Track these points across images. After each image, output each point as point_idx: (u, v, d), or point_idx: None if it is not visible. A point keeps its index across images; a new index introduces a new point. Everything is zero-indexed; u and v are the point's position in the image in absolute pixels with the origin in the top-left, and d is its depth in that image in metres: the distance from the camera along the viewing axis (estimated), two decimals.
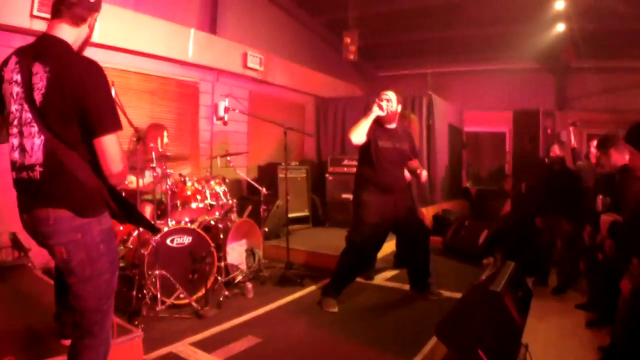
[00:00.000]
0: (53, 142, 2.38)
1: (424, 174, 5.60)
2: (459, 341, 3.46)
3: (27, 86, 2.40)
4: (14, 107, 2.46)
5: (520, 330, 3.42)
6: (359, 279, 6.08)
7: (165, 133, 6.19)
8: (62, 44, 2.48)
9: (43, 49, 2.47)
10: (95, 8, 2.61)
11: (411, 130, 6.60)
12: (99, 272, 2.55)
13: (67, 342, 3.29)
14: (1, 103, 2.58)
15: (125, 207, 2.66)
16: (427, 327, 4.40)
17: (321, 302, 5.37)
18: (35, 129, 2.40)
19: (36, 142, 2.40)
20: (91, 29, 2.66)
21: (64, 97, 2.35)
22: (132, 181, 5.64)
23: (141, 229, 5.14)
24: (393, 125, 5.52)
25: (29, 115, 2.40)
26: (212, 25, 9.01)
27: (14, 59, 2.52)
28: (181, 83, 8.16)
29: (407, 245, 6.02)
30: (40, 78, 2.37)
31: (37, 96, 2.36)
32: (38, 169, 2.42)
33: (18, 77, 2.44)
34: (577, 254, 6.27)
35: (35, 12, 5.62)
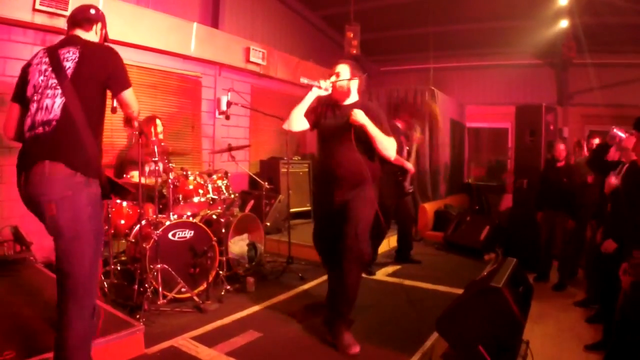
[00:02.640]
0: (73, 104, 2.79)
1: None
2: (459, 336, 3.46)
3: (56, 60, 2.87)
4: (40, 79, 2.87)
5: (521, 326, 3.43)
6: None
7: (158, 122, 6.20)
8: (85, 38, 3.09)
9: (70, 40, 3.02)
10: (95, 19, 3.23)
11: (431, 119, 6.60)
12: (85, 233, 2.74)
13: None
14: (23, 90, 2.95)
15: (111, 183, 3.12)
16: (428, 322, 4.42)
17: None
18: (59, 90, 2.80)
19: (57, 101, 2.79)
20: (100, 37, 3.32)
21: (95, 67, 2.91)
22: (133, 175, 5.66)
23: (143, 223, 5.14)
24: (351, 101, 4.50)
25: (55, 80, 2.82)
26: (214, 19, 9.01)
27: (42, 51, 3.01)
28: (183, 77, 8.15)
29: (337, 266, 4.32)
30: (72, 52, 2.89)
31: (69, 63, 2.85)
32: (54, 123, 2.76)
33: (46, 59, 2.91)
34: (577, 250, 6.29)
35: (37, 6, 5.61)
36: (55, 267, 2.82)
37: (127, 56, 7.00)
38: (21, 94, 2.95)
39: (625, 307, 3.63)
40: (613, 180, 4.32)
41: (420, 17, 11.31)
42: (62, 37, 3.25)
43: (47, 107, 2.78)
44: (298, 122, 4.45)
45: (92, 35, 3.18)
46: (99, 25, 3.27)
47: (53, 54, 2.91)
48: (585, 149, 7.14)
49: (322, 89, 4.42)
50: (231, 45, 8.79)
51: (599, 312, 5.15)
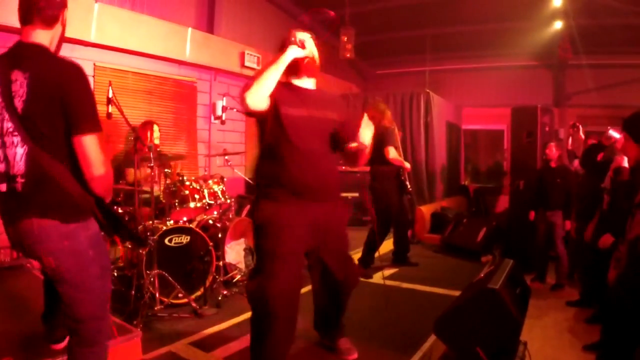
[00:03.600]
0: (36, 151, 2.34)
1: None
2: (457, 338, 3.46)
3: (7, 95, 2.35)
4: None
5: (518, 327, 3.42)
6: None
7: (155, 127, 6.20)
8: (39, 48, 2.44)
9: (20, 55, 2.42)
10: (62, 5, 2.55)
11: (384, 124, 6.62)
12: (91, 278, 2.50)
13: (58, 346, 3.30)
14: None
15: (112, 219, 2.62)
16: (425, 324, 4.41)
17: None
18: (18, 138, 2.35)
19: (19, 151, 2.36)
20: (64, 25, 2.60)
21: (45, 102, 2.32)
22: (130, 173, 5.66)
23: (139, 228, 5.14)
24: (310, 84, 3.63)
25: (10, 125, 2.35)
26: (209, 24, 9.01)
27: None
28: (179, 82, 8.16)
29: (323, 286, 3.90)
30: (20, 85, 2.33)
31: (18, 103, 2.32)
32: (19, 180, 2.38)
33: None
34: (572, 250, 6.30)
35: None
36: (64, 311, 2.61)
37: (123, 62, 7.03)
38: None
39: (611, 301, 3.65)
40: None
41: (416, 20, 11.34)
42: None
43: (9, 159, 2.38)
44: (265, 95, 3.14)
45: (55, 30, 2.53)
46: (64, 11, 2.58)
47: (4, 79, 2.36)
48: (580, 132, 7.13)
49: (305, 49, 3.44)
50: (226, 50, 8.79)
51: (597, 312, 5.17)
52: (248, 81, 3.12)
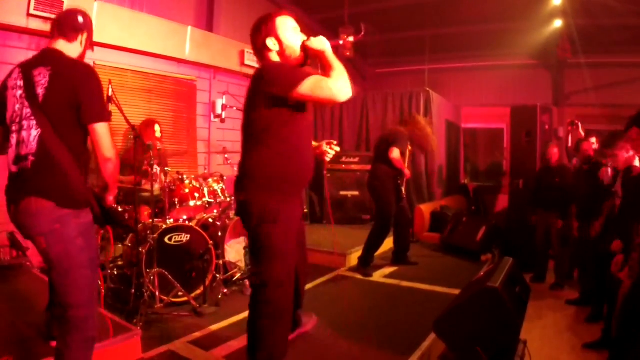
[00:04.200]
0: (48, 135, 2.64)
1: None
2: (457, 338, 3.46)
3: (29, 85, 2.67)
4: (16, 107, 2.71)
5: (518, 327, 3.43)
6: (357, 276, 6.11)
7: (156, 127, 6.20)
8: (60, 52, 2.83)
9: (44, 57, 2.80)
10: (83, 28, 2.96)
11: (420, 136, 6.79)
12: (78, 266, 2.67)
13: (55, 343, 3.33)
14: (2, 113, 2.82)
15: (105, 209, 2.91)
16: (425, 323, 4.41)
17: None
18: (34, 122, 2.65)
19: (33, 133, 2.65)
20: (84, 48, 3.01)
21: (62, 93, 2.66)
22: (130, 180, 5.65)
23: (139, 227, 5.14)
24: None
25: (29, 110, 2.66)
26: (209, 22, 9.00)
27: (17, 70, 2.79)
28: (178, 81, 8.15)
29: None
30: (43, 75, 2.67)
31: (40, 90, 2.64)
32: (30, 158, 2.65)
33: (21, 83, 2.72)
34: (572, 249, 6.31)
35: (32, 11, 5.61)
36: (53, 297, 2.84)
37: (123, 60, 7.02)
38: (1, 119, 2.85)
39: (625, 310, 3.64)
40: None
41: (416, 20, 11.33)
42: None
43: (24, 140, 2.67)
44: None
45: (75, 47, 2.94)
46: (85, 35, 2.99)
47: (27, 75, 2.71)
48: (580, 130, 7.12)
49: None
50: (226, 48, 8.79)
51: (594, 311, 5.18)
52: (336, 72, 3.02)
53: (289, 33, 3.32)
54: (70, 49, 2.90)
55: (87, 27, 3.00)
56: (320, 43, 3.12)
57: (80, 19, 2.96)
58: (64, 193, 2.65)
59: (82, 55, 3.02)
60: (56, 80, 2.65)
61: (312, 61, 3.27)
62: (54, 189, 2.63)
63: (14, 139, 2.71)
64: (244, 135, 3.23)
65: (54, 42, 2.87)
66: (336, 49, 3.26)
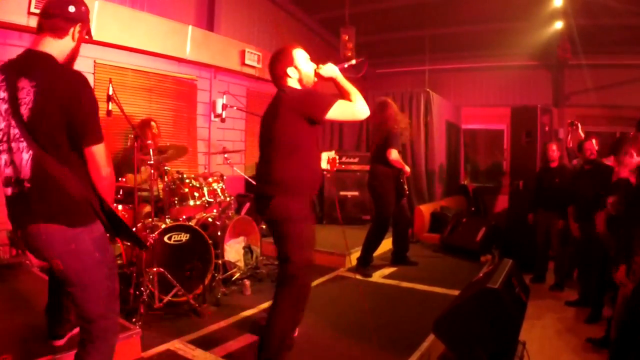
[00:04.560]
0: (41, 157, 2.40)
1: None
2: (456, 338, 3.46)
3: (14, 102, 2.40)
4: (2, 124, 2.45)
5: (517, 327, 3.43)
6: (357, 277, 6.11)
7: (152, 124, 6.19)
8: (47, 57, 2.48)
9: (28, 63, 2.46)
10: (76, 19, 2.57)
11: (390, 126, 6.71)
12: (98, 279, 2.58)
13: (59, 342, 3.32)
14: None
15: (114, 221, 2.68)
16: (424, 324, 4.41)
17: None
18: (24, 144, 2.41)
19: (24, 157, 2.42)
20: (77, 42, 2.63)
21: (51, 110, 2.38)
22: (129, 179, 5.65)
23: (138, 226, 5.14)
24: None
25: (17, 130, 2.41)
26: (209, 22, 9.01)
27: (0, 77, 2.48)
28: (179, 80, 8.16)
29: None
30: (26, 93, 2.38)
31: (24, 111, 2.37)
32: (26, 184, 2.44)
33: (4, 95, 2.43)
34: (571, 250, 6.31)
35: (32, 10, 5.59)
36: (75, 313, 2.75)
37: (123, 59, 7.03)
38: None
39: (626, 313, 3.63)
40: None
41: (416, 20, 11.34)
42: None
43: (15, 164, 2.44)
44: None
45: (65, 43, 2.56)
46: (78, 27, 2.59)
47: (11, 87, 2.41)
48: (579, 130, 7.11)
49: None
50: (226, 48, 8.79)
51: (594, 312, 5.18)
52: (353, 98, 3.60)
53: (304, 63, 3.81)
54: (60, 46, 2.54)
55: (81, 16, 2.61)
56: (331, 70, 3.70)
57: (72, 8, 2.55)
58: (70, 213, 2.48)
59: (76, 49, 2.65)
60: (42, 100, 2.36)
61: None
62: (60, 211, 2.46)
63: (5, 159, 2.48)
64: (268, 145, 3.66)
65: (40, 41, 2.50)
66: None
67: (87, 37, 2.72)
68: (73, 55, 2.65)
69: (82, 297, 2.56)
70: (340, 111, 3.51)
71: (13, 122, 2.40)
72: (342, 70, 3.80)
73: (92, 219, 2.56)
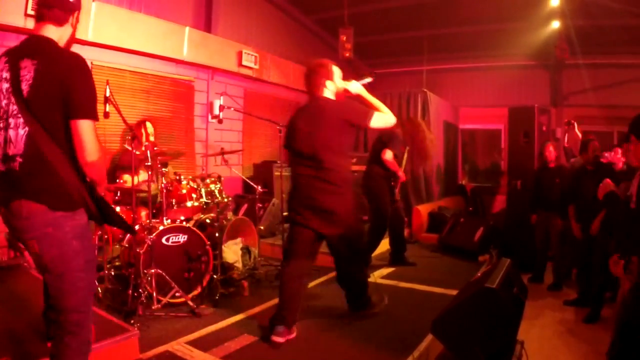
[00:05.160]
0: (37, 133, 2.44)
1: None
2: (454, 338, 3.46)
3: (15, 80, 2.48)
4: (3, 102, 2.53)
5: (515, 327, 3.43)
6: None
7: (148, 124, 6.19)
8: (49, 41, 2.58)
9: (31, 46, 2.57)
10: (74, 8, 2.71)
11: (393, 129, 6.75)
12: (73, 269, 2.55)
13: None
14: None
15: (102, 208, 2.68)
16: (423, 324, 4.40)
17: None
18: (21, 120, 2.46)
19: (20, 132, 2.47)
20: (74, 27, 2.76)
21: (49, 86, 2.44)
22: (127, 180, 5.65)
23: (136, 228, 5.14)
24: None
25: (16, 107, 2.47)
26: (207, 23, 9.00)
27: (3, 59, 2.59)
28: (176, 81, 8.15)
29: None
30: (28, 70, 2.46)
31: (25, 87, 2.44)
32: (18, 159, 2.47)
33: (7, 75, 2.52)
34: (570, 250, 6.31)
35: (29, 11, 5.58)
36: (47, 300, 2.73)
37: (120, 61, 7.02)
38: None
39: (626, 311, 3.63)
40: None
41: (414, 20, 11.34)
42: None
43: (11, 139, 2.48)
44: None
45: (65, 30, 2.69)
46: (75, 15, 2.74)
47: (14, 67, 2.50)
48: (576, 129, 7.11)
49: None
50: (224, 49, 8.79)
51: (593, 312, 5.18)
52: (381, 109, 4.39)
53: (339, 79, 4.49)
54: (60, 33, 2.66)
55: (78, 5, 2.76)
56: (357, 88, 4.44)
57: None
58: (55, 194, 2.48)
59: (73, 35, 2.78)
60: (41, 76, 2.44)
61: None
62: (45, 191, 2.47)
63: (1, 137, 2.54)
64: (321, 149, 4.23)
65: (42, 27, 2.61)
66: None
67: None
68: (71, 39, 2.78)
69: (55, 286, 2.55)
70: (376, 120, 4.24)
71: (13, 99, 2.47)
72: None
73: (76, 205, 2.55)
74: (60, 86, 2.43)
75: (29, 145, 2.46)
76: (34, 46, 2.56)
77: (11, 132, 2.49)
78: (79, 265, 2.56)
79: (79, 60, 2.54)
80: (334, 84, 4.42)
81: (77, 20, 2.77)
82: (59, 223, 2.49)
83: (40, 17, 2.62)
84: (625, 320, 3.57)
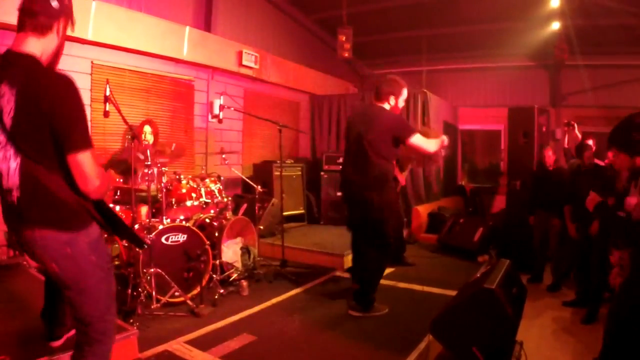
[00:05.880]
0: (28, 164, 2.32)
1: None
2: (453, 338, 3.47)
3: None
4: None
5: (514, 327, 3.43)
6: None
7: (145, 128, 6.19)
8: (29, 59, 2.34)
9: (8, 67, 2.33)
10: (60, 14, 2.43)
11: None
12: (95, 283, 2.54)
13: (56, 343, 3.31)
14: None
15: (112, 219, 2.64)
16: (422, 324, 4.42)
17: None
18: (10, 152, 2.32)
19: (12, 165, 2.33)
20: (61, 37, 2.49)
21: (33, 117, 2.26)
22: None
23: (136, 227, 5.14)
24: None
25: (3, 137, 2.32)
26: (207, 23, 9.00)
27: None
28: (176, 81, 8.15)
29: None
30: (7, 100, 2.26)
31: (7, 119, 2.27)
32: (15, 193, 2.35)
33: None
34: (569, 251, 6.31)
35: None
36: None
37: (120, 60, 7.02)
38: None
39: (616, 308, 3.64)
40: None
41: (413, 20, 11.34)
42: None
43: (3, 173, 2.35)
44: None
45: (49, 41, 2.42)
46: (61, 23, 2.46)
47: None
48: (576, 130, 7.10)
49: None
50: (224, 49, 8.79)
51: (590, 312, 5.19)
52: (432, 138, 5.41)
53: (402, 100, 5.27)
54: (43, 46, 2.40)
55: (65, 10, 2.46)
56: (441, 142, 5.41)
57: (55, 3, 2.39)
58: (64, 218, 2.41)
59: (60, 45, 2.51)
60: (24, 106, 2.25)
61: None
62: (53, 216, 2.39)
63: None
64: (366, 150, 4.94)
65: (22, 40, 2.36)
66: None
67: (70, 31, 2.56)
68: (58, 51, 2.52)
69: (78, 300, 2.52)
70: (416, 141, 5.00)
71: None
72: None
73: (87, 222, 2.51)
74: (47, 118, 2.25)
75: (23, 176, 2.33)
76: (13, 69, 2.31)
77: (3, 165, 2.34)
78: (98, 278, 2.56)
79: (64, 85, 2.31)
80: (395, 101, 5.18)
81: (65, 29, 2.49)
82: (76, 242, 2.45)
83: (21, 27, 2.38)
84: (615, 311, 3.59)
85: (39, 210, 2.37)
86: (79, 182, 2.35)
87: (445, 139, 5.48)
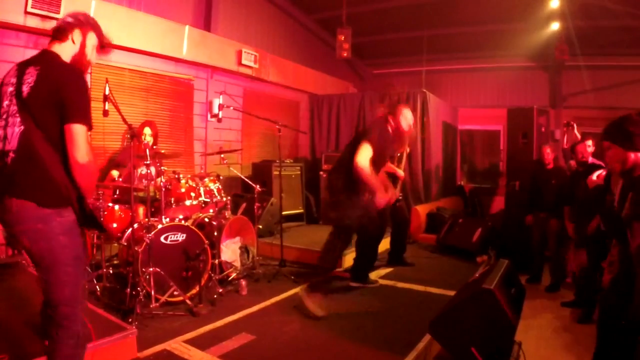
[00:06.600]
0: (31, 131, 2.59)
1: None
2: (452, 338, 3.47)
3: (19, 82, 2.67)
4: (5, 103, 2.70)
5: (513, 328, 3.43)
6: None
7: (145, 130, 6.19)
8: (53, 54, 2.80)
9: (38, 57, 2.79)
10: (73, 24, 2.87)
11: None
12: (61, 263, 2.66)
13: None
14: None
15: (84, 209, 2.82)
16: (421, 324, 4.42)
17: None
18: (18, 119, 2.62)
19: (16, 130, 2.62)
20: (80, 46, 2.88)
21: (47, 89, 2.60)
22: (114, 176, 5.67)
23: (135, 226, 5.13)
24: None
25: (15, 107, 2.64)
26: (206, 22, 9.01)
27: (14, 68, 2.78)
28: (175, 80, 8.15)
29: None
30: (30, 75, 2.65)
31: (25, 89, 2.62)
32: (11, 155, 2.61)
33: (14, 80, 2.70)
34: (567, 251, 6.33)
35: (29, 9, 5.60)
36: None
37: (120, 59, 7.02)
38: None
39: (605, 303, 3.65)
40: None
41: (413, 21, 11.35)
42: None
43: (7, 136, 2.64)
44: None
45: (68, 46, 2.85)
46: (77, 32, 2.87)
47: (20, 74, 2.70)
48: (575, 131, 7.10)
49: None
50: (223, 48, 8.79)
51: (586, 312, 5.19)
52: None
53: (405, 122, 5.68)
54: (63, 49, 2.83)
55: (79, 24, 2.88)
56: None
57: (69, 18, 2.88)
58: (45, 191, 2.61)
59: (81, 55, 2.89)
60: (42, 79, 2.63)
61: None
62: (35, 188, 2.59)
63: (1, 134, 2.69)
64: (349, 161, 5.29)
65: (51, 44, 2.84)
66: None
67: (102, 48, 3.05)
68: (79, 59, 2.89)
69: (46, 279, 2.68)
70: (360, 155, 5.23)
71: (14, 100, 2.65)
72: None
73: (64, 203, 2.67)
74: (57, 91, 2.59)
75: (23, 142, 2.59)
76: (41, 57, 2.78)
77: (9, 130, 2.64)
78: (67, 260, 2.67)
79: (77, 72, 2.75)
80: (394, 122, 5.60)
81: (84, 39, 2.89)
82: (48, 220, 2.61)
83: (52, 37, 2.85)
84: (604, 307, 3.60)
85: (25, 178, 2.60)
86: (70, 150, 2.59)
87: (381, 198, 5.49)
